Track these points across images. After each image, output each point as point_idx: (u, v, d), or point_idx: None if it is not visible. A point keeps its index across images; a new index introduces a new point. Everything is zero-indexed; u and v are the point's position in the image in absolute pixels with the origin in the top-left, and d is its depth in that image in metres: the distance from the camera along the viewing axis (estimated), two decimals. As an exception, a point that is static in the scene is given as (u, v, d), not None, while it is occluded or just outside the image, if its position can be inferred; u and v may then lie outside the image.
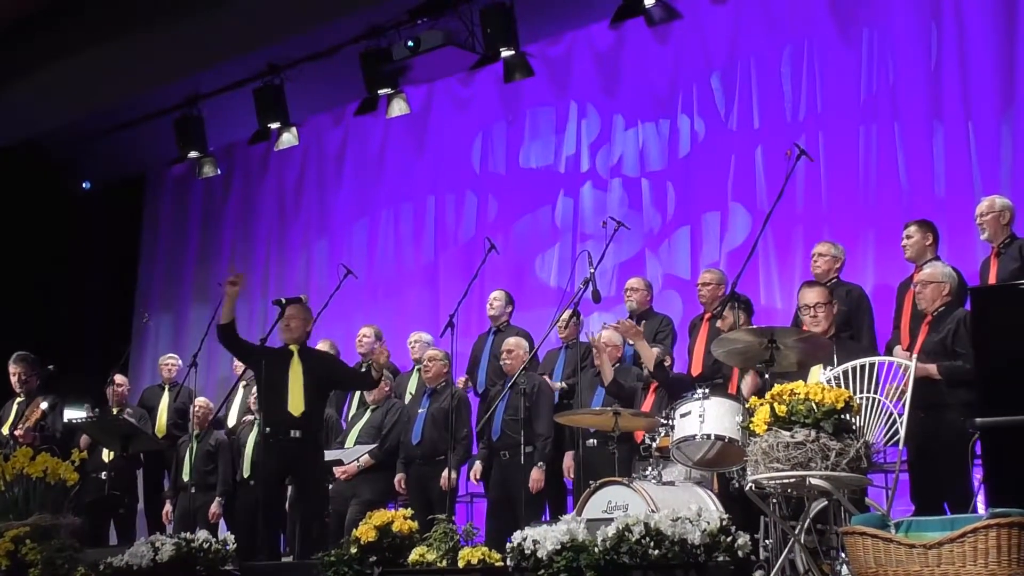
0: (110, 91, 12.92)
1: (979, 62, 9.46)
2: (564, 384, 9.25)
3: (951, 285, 7.38)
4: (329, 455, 9.26)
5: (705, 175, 10.88)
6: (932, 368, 6.97)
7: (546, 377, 9.30)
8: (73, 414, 10.94)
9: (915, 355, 6.62)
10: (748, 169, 10.56)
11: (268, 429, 8.25)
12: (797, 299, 7.77)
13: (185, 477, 10.45)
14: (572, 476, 8.85)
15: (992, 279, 7.58)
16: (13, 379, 10.70)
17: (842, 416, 5.51)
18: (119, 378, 11.36)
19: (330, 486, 9.42)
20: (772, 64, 10.61)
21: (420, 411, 9.37)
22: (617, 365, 8.75)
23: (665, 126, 11.20)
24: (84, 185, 15.22)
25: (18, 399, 10.65)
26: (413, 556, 7.05)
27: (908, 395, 6.18)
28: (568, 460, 8.92)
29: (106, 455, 10.01)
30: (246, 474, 10.13)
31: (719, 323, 8.12)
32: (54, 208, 14.63)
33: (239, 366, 10.14)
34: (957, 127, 9.49)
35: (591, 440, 8.48)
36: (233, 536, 8.16)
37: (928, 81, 9.71)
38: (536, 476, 8.70)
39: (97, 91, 12.87)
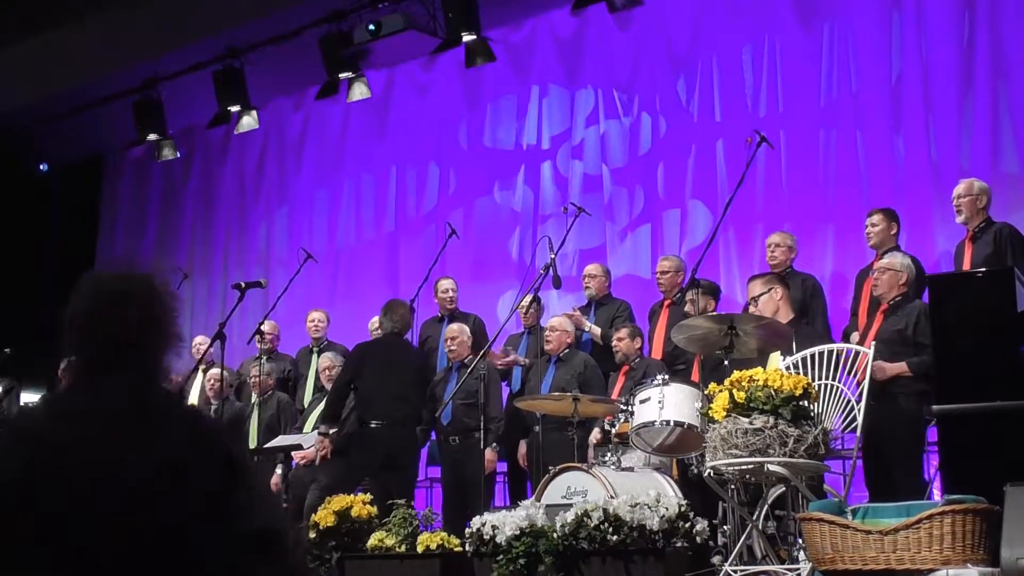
0: (69, 73, 12.80)
1: (939, 52, 9.49)
2: (526, 361, 9.17)
3: (908, 276, 7.38)
4: (288, 440, 9.22)
5: (666, 169, 10.88)
6: (903, 366, 6.99)
7: (515, 355, 9.27)
8: (30, 397, 10.83)
9: (872, 343, 6.67)
10: (709, 164, 10.55)
11: (374, 423, 8.68)
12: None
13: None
14: (525, 463, 8.84)
15: (967, 264, 7.54)
16: (-32, 363, 10.62)
17: (800, 403, 5.55)
18: None
19: (289, 472, 9.38)
20: (734, 53, 10.61)
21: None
22: (567, 351, 8.76)
23: (627, 118, 11.19)
24: (41, 167, 15.08)
25: (-27, 382, 10.57)
26: (372, 541, 7.06)
27: (866, 383, 6.24)
28: (522, 448, 8.90)
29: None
30: None
31: (687, 307, 8.14)
32: (11, 190, 14.49)
33: (198, 350, 10.11)
34: (916, 119, 9.53)
35: (535, 427, 8.32)
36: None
37: (889, 73, 9.73)
38: (490, 457, 8.63)
39: (56, 73, 12.74)
